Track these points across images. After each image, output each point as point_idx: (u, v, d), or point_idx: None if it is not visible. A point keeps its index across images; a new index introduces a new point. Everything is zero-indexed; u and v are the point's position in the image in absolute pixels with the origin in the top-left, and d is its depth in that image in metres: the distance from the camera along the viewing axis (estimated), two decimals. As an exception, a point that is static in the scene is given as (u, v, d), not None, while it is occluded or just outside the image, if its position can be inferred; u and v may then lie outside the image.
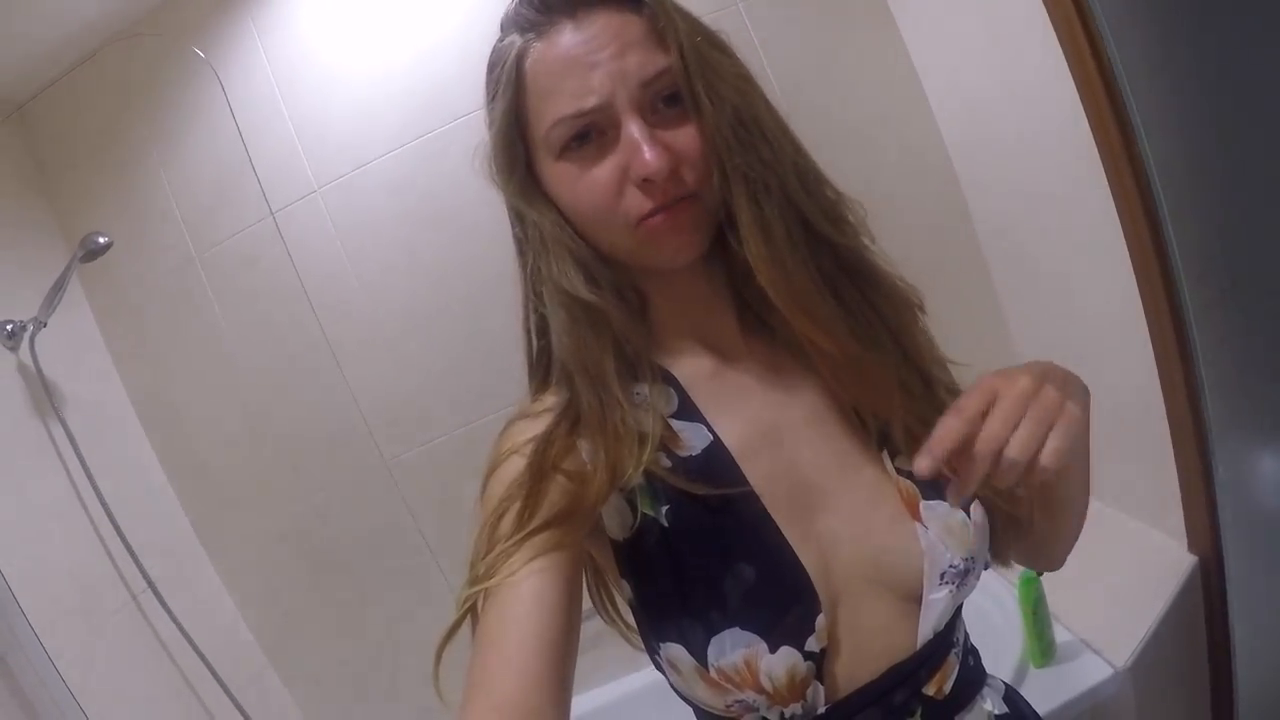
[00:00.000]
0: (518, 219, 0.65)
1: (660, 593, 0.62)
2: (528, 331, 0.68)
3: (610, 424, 0.59)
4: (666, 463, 0.62)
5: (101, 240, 1.57)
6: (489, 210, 0.67)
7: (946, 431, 0.49)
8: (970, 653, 0.74)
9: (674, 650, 0.60)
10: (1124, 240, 1.31)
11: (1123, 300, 1.34)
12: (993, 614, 1.46)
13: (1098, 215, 1.31)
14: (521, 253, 0.66)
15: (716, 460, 0.63)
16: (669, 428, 0.63)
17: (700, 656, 0.59)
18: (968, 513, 0.65)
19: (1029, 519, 0.73)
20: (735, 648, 0.59)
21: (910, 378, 0.66)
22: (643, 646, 0.67)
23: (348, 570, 1.71)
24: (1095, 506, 1.60)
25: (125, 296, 1.72)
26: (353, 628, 1.75)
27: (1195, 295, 0.87)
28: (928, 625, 0.65)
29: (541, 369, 0.68)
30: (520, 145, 0.62)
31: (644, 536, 0.62)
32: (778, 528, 0.62)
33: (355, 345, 1.63)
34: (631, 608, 0.65)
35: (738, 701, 0.61)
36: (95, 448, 1.63)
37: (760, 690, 0.60)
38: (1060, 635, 1.37)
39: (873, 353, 0.63)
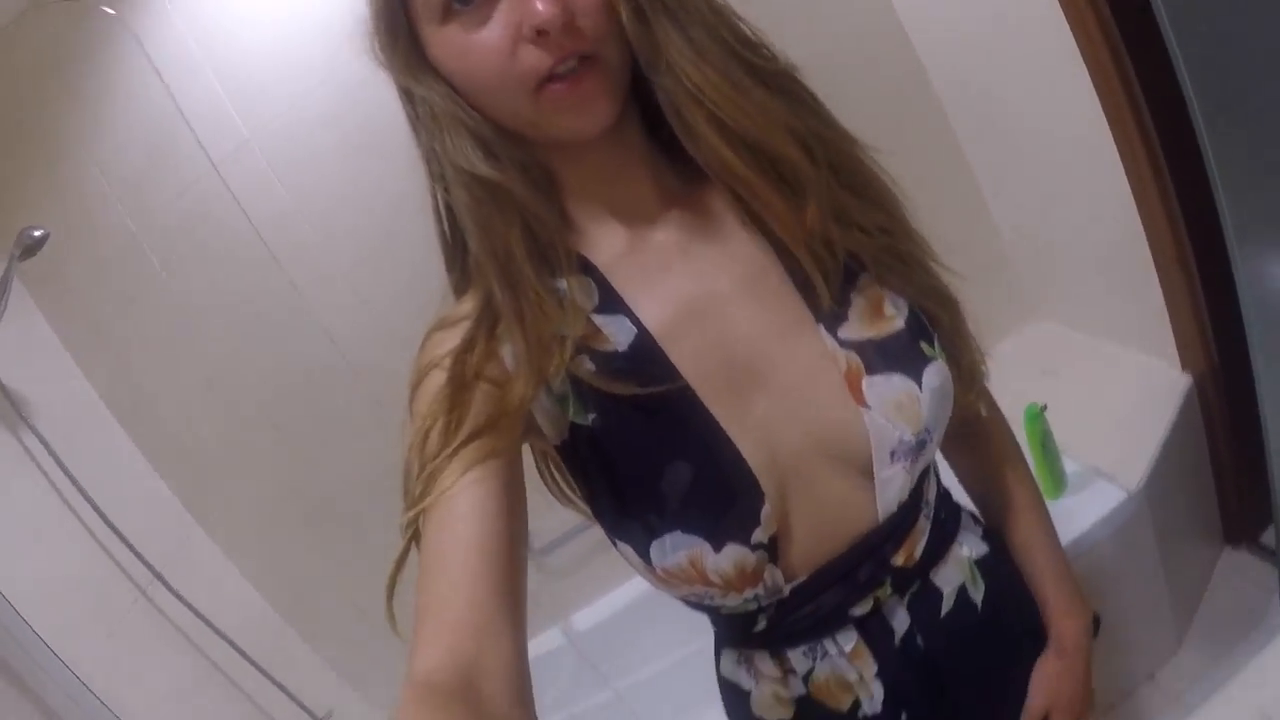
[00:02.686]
0: (407, 97, 0.59)
1: (600, 495, 0.61)
2: (439, 220, 0.63)
3: (528, 323, 0.56)
4: (590, 365, 0.58)
5: (37, 234, 1.47)
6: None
7: None
8: (943, 505, 0.73)
9: (623, 549, 0.60)
10: (1086, 68, 1.30)
11: (1090, 128, 1.33)
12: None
13: (1054, 40, 1.29)
14: (416, 135, 0.60)
15: (644, 354, 0.59)
16: (591, 325, 0.59)
17: (645, 557, 0.59)
18: (919, 384, 0.61)
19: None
20: (676, 550, 0.58)
21: (866, 218, 0.61)
22: None
23: (349, 517, 1.69)
24: (1088, 340, 1.64)
25: (72, 287, 1.63)
26: (365, 575, 1.73)
27: (1202, 101, 0.85)
28: (887, 500, 0.63)
29: (458, 261, 0.63)
30: (401, 14, 0.56)
31: (577, 442, 0.60)
32: (713, 419, 0.59)
33: (319, 284, 1.58)
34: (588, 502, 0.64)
35: (691, 593, 0.61)
36: (72, 450, 1.56)
37: (709, 584, 0.59)
38: (1070, 467, 1.39)
39: (821, 185, 0.57)
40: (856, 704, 0.70)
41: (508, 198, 0.56)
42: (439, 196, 0.61)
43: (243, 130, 1.53)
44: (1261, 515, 1.56)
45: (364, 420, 1.61)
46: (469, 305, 0.60)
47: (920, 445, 0.62)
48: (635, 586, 1.73)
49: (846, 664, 0.68)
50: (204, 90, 1.49)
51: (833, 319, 0.62)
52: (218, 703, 1.67)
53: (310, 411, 1.65)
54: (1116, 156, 1.34)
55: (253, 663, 1.64)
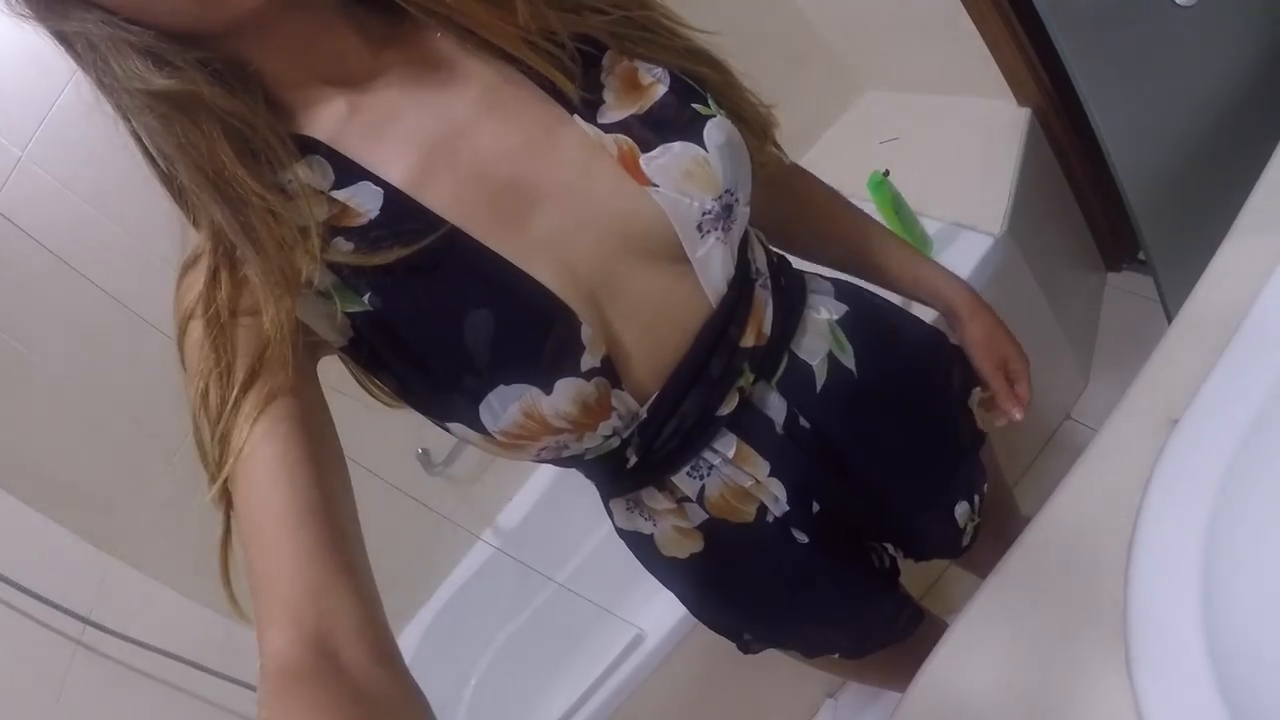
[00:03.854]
0: (63, 41, 0.51)
1: (409, 380, 0.54)
2: (150, 162, 0.55)
3: (259, 236, 0.49)
4: (347, 245, 0.52)
5: None
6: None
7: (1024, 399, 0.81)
8: (781, 271, 0.69)
9: (460, 429, 0.55)
10: None
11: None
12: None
13: None
14: (92, 78, 0.52)
15: (398, 213, 0.53)
16: (334, 203, 0.53)
17: (479, 427, 0.54)
18: (702, 144, 0.56)
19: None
20: (506, 406, 0.53)
21: None
22: None
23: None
24: (920, 99, 1.61)
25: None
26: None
27: None
28: (713, 280, 0.59)
29: (189, 210, 0.56)
30: None
31: (362, 335, 0.53)
32: (495, 255, 0.53)
33: (137, 283, 1.49)
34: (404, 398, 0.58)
35: (541, 449, 0.57)
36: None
37: (556, 431, 0.55)
38: (931, 227, 1.38)
39: None
40: (763, 510, 0.67)
41: (197, 104, 0.49)
42: (139, 136, 0.53)
43: (13, 151, 1.42)
44: (1134, 235, 1.57)
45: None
46: (202, 236, 0.53)
47: (727, 210, 0.58)
48: (546, 472, 1.71)
49: (735, 470, 0.64)
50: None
51: (588, 109, 0.56)
52: (193, 720, 1.63)
53: (179, 404, 1.57)
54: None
55: (211, 672, 1.60)
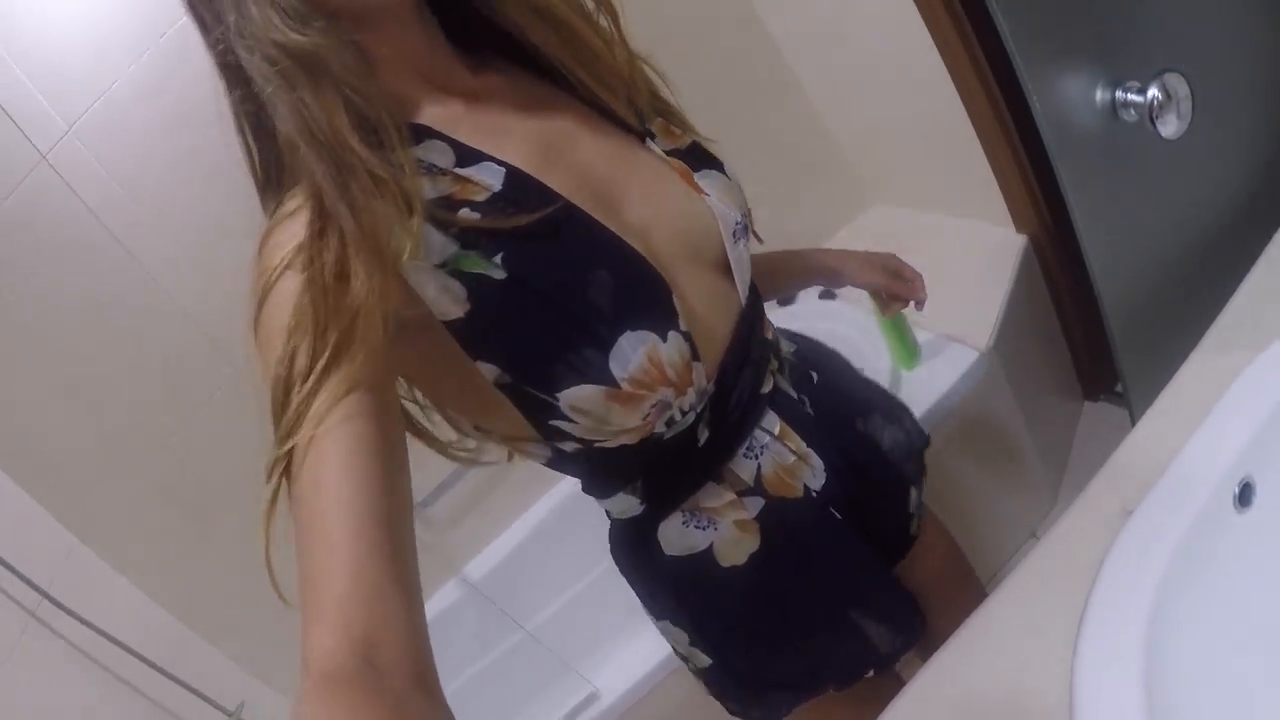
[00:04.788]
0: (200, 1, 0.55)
1: (533, 343, 0.57)
2: (246, 147, 0.58)
3: (356, 199, 0.50)
4: (474, 215, 0.56)
5: None
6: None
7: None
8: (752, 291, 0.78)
9: (578, 393, 0.57)
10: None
11: (897, 9, 1.37)
12: (851, 336, 1.52)
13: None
14: (214, 44, 0.55)
15: (521, 187, 0.59)
16: (458, 179, 0.58)
17: (606, 378, 0.57)
18: (723, 171, 0.70)
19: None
20: (634, 349, 0.57)
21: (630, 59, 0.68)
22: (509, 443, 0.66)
23: (232, 504, 1.64)
24: (925, 216, 1.69)
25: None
26: (256, 562, 1.70)
27: None
28: (743, 279, 0.70)
29: (271, 172, 0.58)
30: None
31: (484, 301, 0.55)
32: (606, 228, 0.60)
33: (170, 269, 1.53)
34: (505, 389, 0.58)
35: (653, 407, 0.60)
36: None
37: (668, 382, 0.60)
38: (922, 337, 1.43)
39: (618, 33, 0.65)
40: (806, 487, 0.73)
41: (323, 69, 0.51)
42: (239, 104, 0.56)
43: (60, 123, 1.47)
44: (1113, 368, 1.63)
45: (230, 398, 1.58)
46: (301, 197, 0.54)
47: (745, 226, 0.70)
48: (525, 524, 1.74)
49: (781, 447, 0.72)
50: (15, 88, 1.43)
51: (647, 138, 0.69)
52: (128, 714, 1.62)
53: (176, 398, 1.60)
54: (926, 33, 1.38)
55: (156, 668, 1.59)
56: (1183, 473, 0.63)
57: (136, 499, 1.65)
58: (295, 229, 0.52)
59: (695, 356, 0.62)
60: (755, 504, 0.72)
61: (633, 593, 0.82)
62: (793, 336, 0.86)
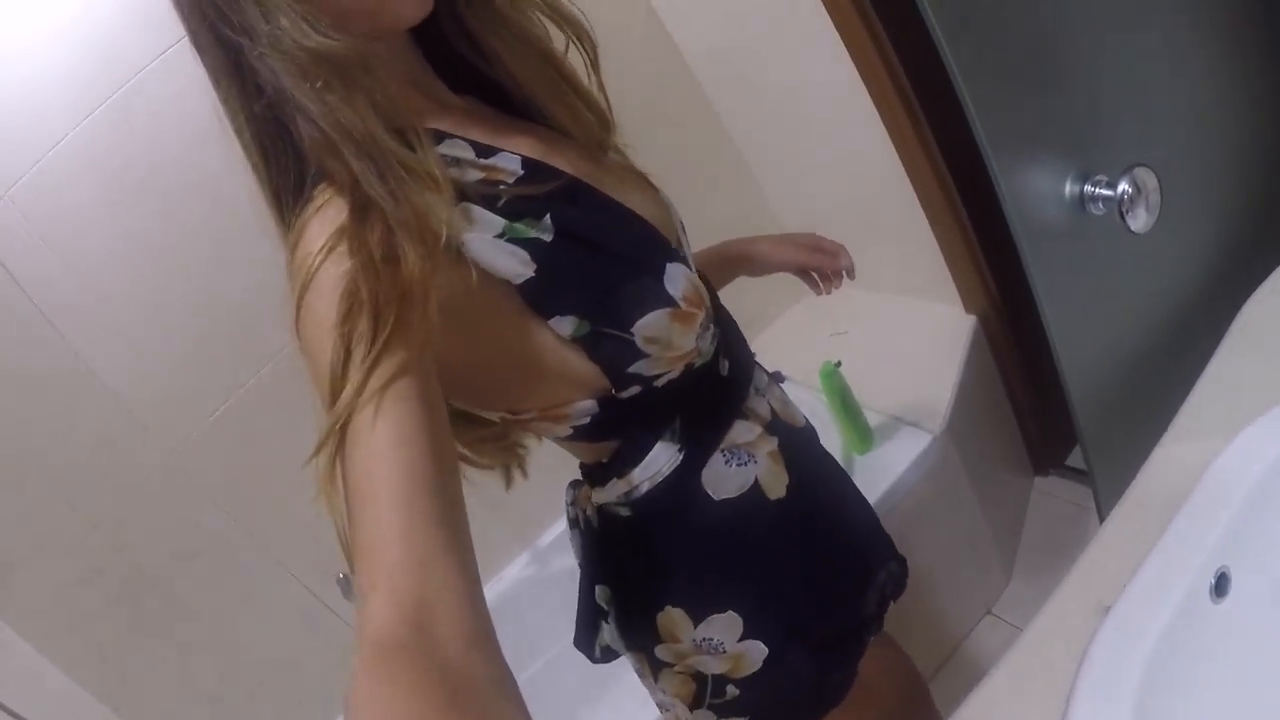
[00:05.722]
0: (219, 10, 0.55)
1: (601, 284, 0.62)
2: (261, 157, 0.59)
3: (393, 188, 0.53)
4: (509, 183, 0.62)
5: None
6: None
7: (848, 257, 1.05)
8: None
9: (648, 320, 0.62)
10: (838, 35, 1.35)
11: (846, 91, 1.38)
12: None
13: (806, 17, 1.34)
14: (227, 55, 0.57)
15: (537, 168, 0.64)
16: (484, 168, 0.62)
17: (666, 299, 0.63)
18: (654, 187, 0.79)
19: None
20: (680, 274, 0.64)
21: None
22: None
23: (162, 585, 1.58)
24: (875, 296, 1.71)
25: None
26: (192, 648, 1.62)
27: (941, 26, 0.90)
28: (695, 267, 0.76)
29: (293, 188, 0.59)
30: None
31: (547, 259, 0.60)
32: (611, 197, 0.67)
33: (97, 346, 1.47)
34: (583, 340, 0.62)
35: (700, 325, 0.66)
36: None
37: (702, 305, 0.66)
38: (873, 420, 1.44)
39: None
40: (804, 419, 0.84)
41: (354, 75, 0.54)
42: (253, 117, 0.58)
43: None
44: (1064, 439, 1.65)
45: (160, 482, 1.52)
46: (330, 191, 0.55)
47: (682, 225, 0.78)
48: (517, 569, 1.71)
49: (777, 389, 0.81)
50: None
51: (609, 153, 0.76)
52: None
53: (108, 486, 1.53)
54: (875, 113, 1.40)
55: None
56: (1159, 567, 0.63)
57: (63, 582, 1.57)
58: (330, 216, 0.54)
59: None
60: (773, 433, 0.76)
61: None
62: None
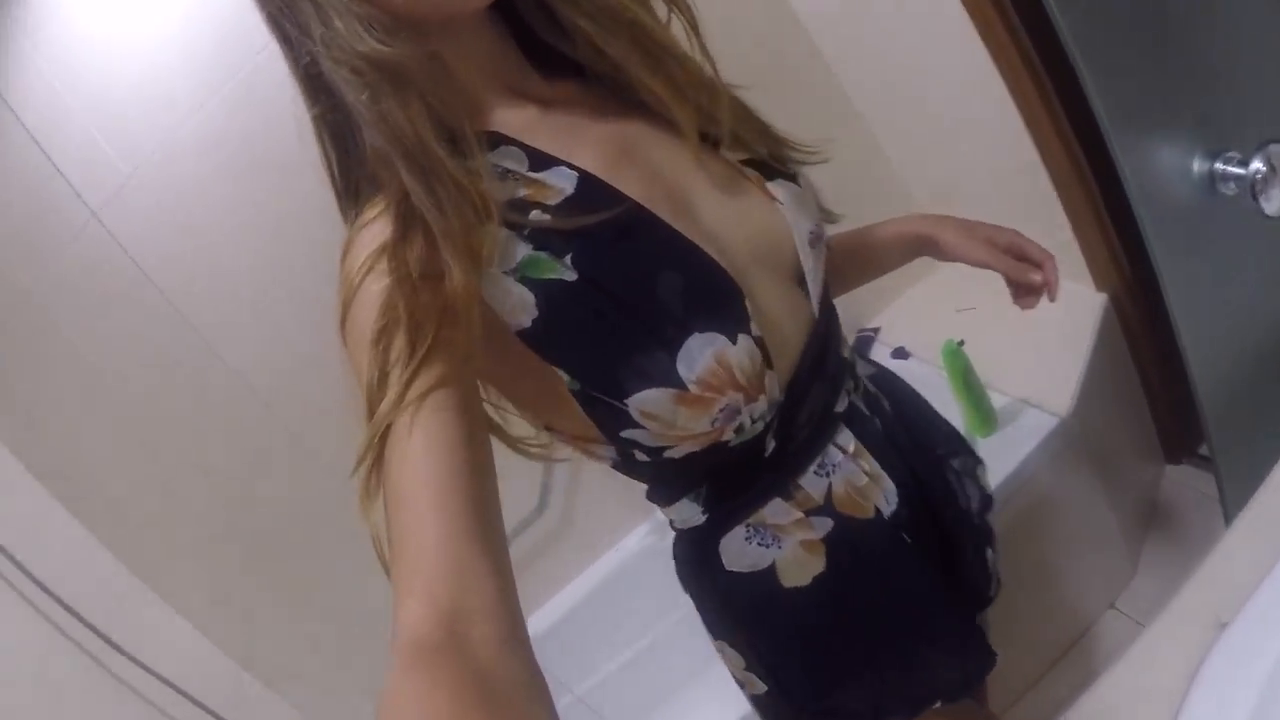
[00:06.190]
0: (281, 10, 0.55)
1: (602, 346, 0.57)
2: (326, 157, 0.60)
3: (447, 209, 0.52)
4: (545, 217, 0.57)
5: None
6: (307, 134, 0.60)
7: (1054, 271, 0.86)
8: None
9: (646, 396, 0.56)
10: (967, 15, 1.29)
11: (976, 66, 1.32)
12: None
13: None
14: (296, 55, 0.57)
15: (593, 190, 0.59)
16: (532, 183, 0.59)
17: (674, 380, 0.56)
18: (796, 181, 0.69)
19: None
20: (703, 351, 0.56)
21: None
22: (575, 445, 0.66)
23: (292, 552, 1.65)
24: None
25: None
26: (315, 609, 1.70)
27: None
28: (816, 289, 0.68)
29: (354, 193, 0.59)
30: None
31: (554, 304, 0.56)
32: (677, 231, 0.60)
33: (218, 320, 1.54)
34: (576, 395, 0.58)
35: (721, 411, 0.58)
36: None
37: (737, 386, 0.58)
38: (997, 402, 1.38)
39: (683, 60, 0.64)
40: (877, 508, 0.71)
41: (406, 79, 0.53)
42: (321, 117, 0.58)
43: (121, 169, 1.49)
44: (1197, 428, 1.55)
45: (284, 451, 1.58)
46: (381, 204, 0.55)
47: (820, 234, 0.69)
48: (581, 586, 1.70)
49: (854, 466, 0.69)
50: (71, 136, 1.45)
51: (720, 146, 0.68)
52: (182, 760, 1.62)
53: (232, 450, 1.61)
54: (1004, 88, 1.33)
55: (209, 711, 1.60)
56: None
57: (198, 545, 1.67)
58: (377, 232, 0.54)
59: (768, 364, 0.60)
60: (824, 524, 0.69)
61: (699, 646, 0.82)
62: (871, 364, 0.84)
